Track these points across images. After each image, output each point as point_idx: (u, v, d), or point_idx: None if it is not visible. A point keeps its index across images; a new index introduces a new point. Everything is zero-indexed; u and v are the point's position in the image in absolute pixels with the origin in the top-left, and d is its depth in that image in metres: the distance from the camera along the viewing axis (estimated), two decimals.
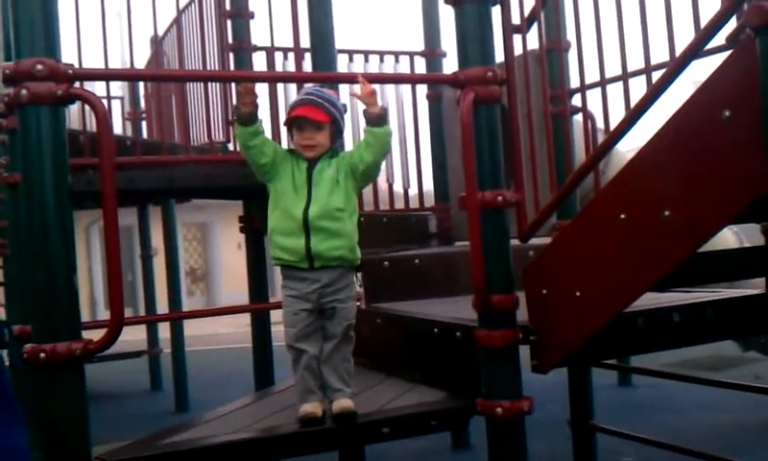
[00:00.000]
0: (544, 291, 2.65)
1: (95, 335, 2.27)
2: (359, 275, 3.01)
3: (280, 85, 4.43)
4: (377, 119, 2.68)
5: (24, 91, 2.15)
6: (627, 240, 2.35)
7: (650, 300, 2.93)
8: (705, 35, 2.27)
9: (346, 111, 2.84)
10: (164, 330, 7.89)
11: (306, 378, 2.67)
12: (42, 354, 2.14)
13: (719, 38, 2.44)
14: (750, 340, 5.83)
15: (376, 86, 4.65)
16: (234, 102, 4.40)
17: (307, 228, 2.63)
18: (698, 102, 2.12)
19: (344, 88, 3.80)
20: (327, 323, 2.69)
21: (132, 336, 7.08)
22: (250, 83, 2.66)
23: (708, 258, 2.92)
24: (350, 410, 2.64)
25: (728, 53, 2.12)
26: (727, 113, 2.01)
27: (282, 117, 3.17)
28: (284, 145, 3.10)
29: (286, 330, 2.70)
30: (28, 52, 2.18)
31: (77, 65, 2.33)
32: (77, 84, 2.25)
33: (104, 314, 2.26)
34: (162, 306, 7.95)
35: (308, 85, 2.89)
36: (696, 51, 2.29)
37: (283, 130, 2.94)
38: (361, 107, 2.73)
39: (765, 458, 3.57)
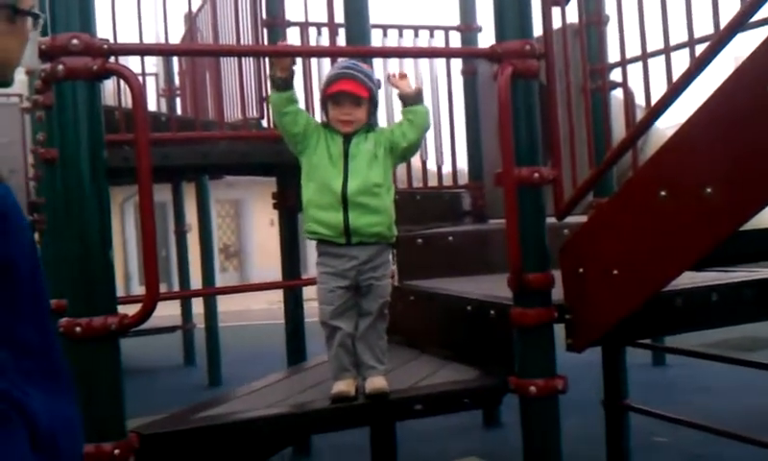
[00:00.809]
0: (581, 270, 2.62)
1: (130, 310, 2.28)
2: (394, 252, 3.00)
3: (314, 60, 4.41)
4: (415, 98, 2.70)
5: (60, 66, 2.16)
6: (666, 218, 2.30)
7: (687, 279, 2.89)
8: (750, 6, 2.20)
9: (380, 87, 2.82)
10: (198, 306, 7.96)
11: (341, 356, 2.66)
12: (78, 328, 2.16)
13: (765, 11, 2.36)
14: None
15: (410, 61, 4.65)
16: (269, 70, 4.41)
17: (345, 203, 2.61)
18: (743, 75, 2.06)
19: (377, 63, 3.77)
20: (363, 300, 2.68)
21: (166, 312, 7.15)
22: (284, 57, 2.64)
23: (749, 237, 2.86)
24: (384, 390, 2.64)
25: None
26: None
27: (316, 92, 3.15)
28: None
29: (321, 307, 2.68)
30: (64, 27, 2.18)
31: (112, 41, 2.32)
32: (112, 60, 2.25)
33: (138, 289, 2.27)
34: (196, 282, 8.02)
35: (342, 60, 2.86)
36: (741, 23, 2.22)
37: (317, 105, 2.92)
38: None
39: None
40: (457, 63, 5.01)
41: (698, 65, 2.32)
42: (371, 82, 2.71)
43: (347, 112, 2.66)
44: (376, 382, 2.64)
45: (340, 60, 2.84)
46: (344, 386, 2.64)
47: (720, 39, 2.26)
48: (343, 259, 2.64)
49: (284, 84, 2.63)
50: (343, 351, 2.66)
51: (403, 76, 2.77)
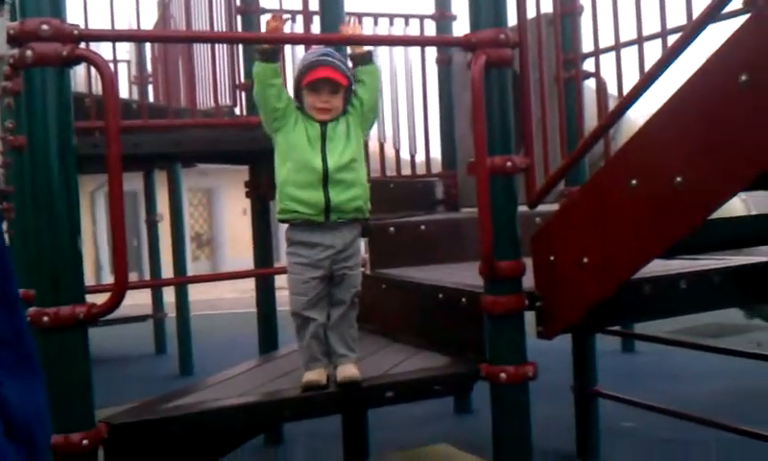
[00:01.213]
0: (552, 258, 2.64)
1: (100, 299, 2.26)
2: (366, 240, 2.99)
3: (288, 48, 4.39)
4: (364, 58, 2.70)
5: (29, 52, 2.13)
6: (637, 207, 2.33)
7: (657, 267, 2.92)
8: None
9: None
10: (169, 295, 7.91)
11: (313, 346, 2.66)
12: (46, 318, 2.14)
13: (736, 2, 2.39)
14: (754, 308, 5.82)
15: (385, 49, 4.63)
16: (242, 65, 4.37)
17: (326, 180, 2.60)
18: (714, 66, 2.09)
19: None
20: (335, 289, 2.67)
21: (138, 301, 7.11)
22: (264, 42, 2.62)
23: (717, 226, 2.90)
24: (355, 378, 2.64)
25: (746, 16, 2.07)
26: (743, 77, 1.98)
27: (290, 80, 3.12)
28: None
29: (294, 298, 2.66)
30: (33, 12, 2.15)
31: (83, 26, 2.29)
32: (83, 46, 2.22)
33: (109, 279, 2.24)
34: (167, 271, 7.96)
35: (316, 48, 2.84)
36: (713, 14, 2.24)
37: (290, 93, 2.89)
38: None
39: (767, 425, 3.57)
40: (432, 52, 5.01)
41: (670, 56, 2.34)
42: (348, 70, 2.69)
43: (325, 100, 2.63)
44: (348, 370, 2.64)
45: (313, 48, 2.82)
46: (315, 375, 2.64)
47: (692, 30, 2.28)
48: (317, 249, 2.63)
49: (272, 54, 2.60)
50: (315, 341, 2.65)
51: (355, 28, 2.78)
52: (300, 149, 2.62)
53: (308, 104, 2.66)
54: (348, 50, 2.76)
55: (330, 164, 2.60)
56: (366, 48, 2.71)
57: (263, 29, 3.00)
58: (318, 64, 2.65)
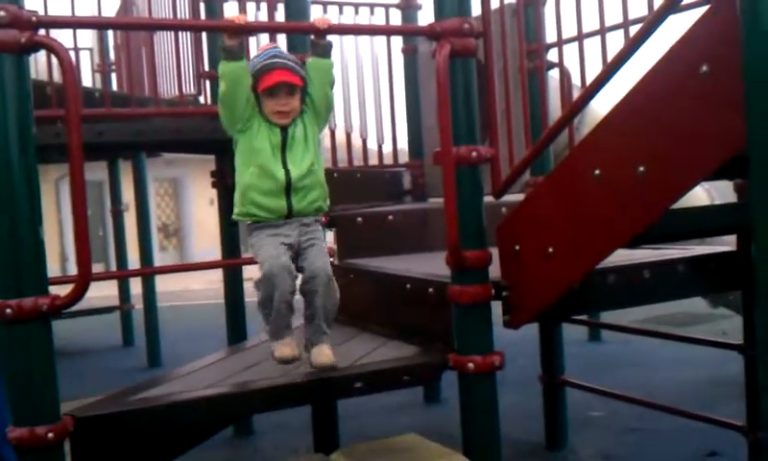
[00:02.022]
0: (517, 247, 2.65)
1: (65, 291, 2.23)
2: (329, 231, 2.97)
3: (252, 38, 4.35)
4: (323, 49, 2.65)
5: None
6: (601, 196, 2.35)
7: (621, 256, 2.95)
8: None
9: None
10: (136, 286, 7.84)
11: (282, 313, 2.59)
12: (8, 310, 2.10)
13: None
14: (719, 297, 5.91)
15: (351, 38, 4.61)
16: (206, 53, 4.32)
17: (289, 189, 2.59)
18: (675, 56, 2.10)
19: None
20: (308, 263, 2.63)
21: (104, 292, 7.04)
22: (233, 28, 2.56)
23: (680, 215, 2.93)
24: (330, 363, 2.62)
25: (706, 7, 2.09)
26: (704, 68, 2.00)
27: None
28: None
29: (265, 263, 2.57)
30: None
31: (42, 13, 2.24)
32: (42, 32, 2.18)
33: (74, 270, 2.21)
34: (134, 262, 7.89)
35: (266, 48, 2.78)
36: (674, 5, 2.26)
37: None
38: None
39: (731, 413, 3.62)
40: (397, 41, 5.00)
41: (632, 46, 2.36)
42: (302, 69, 2.65)
43: (283, 103, 2.60)
44: (323, 354, 2.62)
45: (264, 48, 2.77)
46: (288, 349, 2.61)
47: (653, 21, 2.30)
48: (283, 227, 2.62)
49: (239, 50, 2.53)
50: (284, 308, 2.58)
51: (324, 21, 2.68)
52: (264, 156, 2.59)
53: (268, 109, 2.61)
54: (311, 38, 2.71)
55: (293, 174, 2.59)
56: (327, 39, 2.66)
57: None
58: (272, 67, 2.60)
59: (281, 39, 3.76)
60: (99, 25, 5.21)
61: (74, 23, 3.63)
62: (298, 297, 2.66)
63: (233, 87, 2.55)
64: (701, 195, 5.43)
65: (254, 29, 3.10)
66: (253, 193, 2.61)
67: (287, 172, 2.59)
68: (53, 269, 2.27)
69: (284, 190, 2.59)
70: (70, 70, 2.16)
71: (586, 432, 4.40)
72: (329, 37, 2.68)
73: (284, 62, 2.62)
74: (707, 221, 3.30)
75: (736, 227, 3.21)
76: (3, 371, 2.15)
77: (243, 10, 4.54)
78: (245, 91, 2.57)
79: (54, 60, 2.33)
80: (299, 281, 2.65)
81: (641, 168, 2.20)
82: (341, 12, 4.90)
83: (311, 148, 2.65)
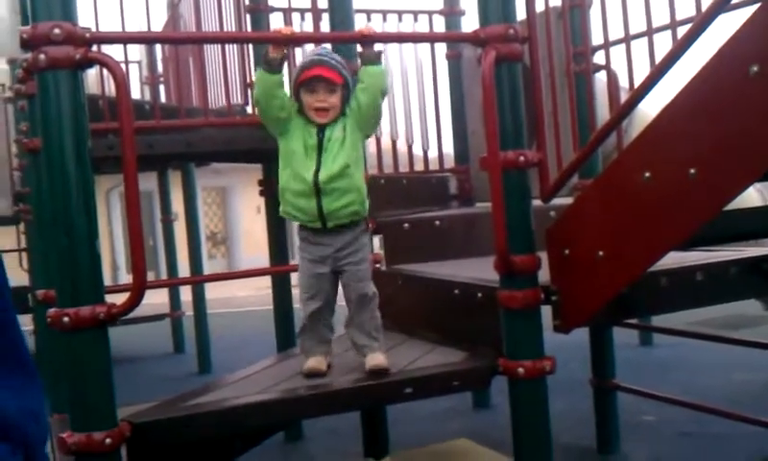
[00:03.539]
0: (567, 251, 2.63)
1: (118, 299, 2.28)
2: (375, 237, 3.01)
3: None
4: (372, 57, 2.65)
5: (42, 56, 2.14)
6: (651, 199, 2.32)
7: (673, 259, 2.91)
8: None
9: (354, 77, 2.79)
10: (186, 294, 7.95)
11: (306, 335, 2.77)
12: (66, 319, 2.15)
13: None
14: None
15: (395, 45, 4.63)
16: (252, 63, 4.37)
17: (318, 190, 2.63)
18: (725, 57, 2.07)
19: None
20: (345, 286, 2.74)
21: (155, 300, 7.14)
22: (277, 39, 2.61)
23: (733, 217, 2.89)
24: (382, 366, 2.67)
25: (756, 6, 2.06)
26: (755, 68, 1.97)
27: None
28: None
29: (300, 292, 2.76)
30: (45, 16, 2.16)
31: (94, 29, 2.30)
32: (94, 48, 2.24)
33: (125, 279, 2.26)
34: (183, 270, 8.01)
35: (314, 48, 2.83)
36: (723, 5, 2.23)
37: None
38: None
39: None
40: (441, 48, 5.01)
41: (680, 47, 2.33)
42: (344, 69, 2.69)
43: (321, 99, 2.64)
44: (375, 359, 2.69)
45: (311, 48, 2.82)
46: (314, 363, 2.74)
47: (702, 21, 2.27)
48: (320, 247, 2.70)
49: (278, 65, 2.60)
50: (310, 328, 2.75)
51: (369, 29, 2.71)
52: (297, 158, 2.65)
53: (306, 104, 2.66)
54: (359, 48, 2.75)
55: (321, 176, 2.62)
56: (376, 48, 2.68)
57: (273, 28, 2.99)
58: (312, 64, 2.65)
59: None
60: (148, 40, 5.32)
61: (125, 39, 3.71)
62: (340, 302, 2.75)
63: (265, 98, 2.64)
64: (754, 196, 5.33)
65: (300, 40, 3.13)
66: (288, 194, 2.69)
67: (316, 173, 2.62)
68: (104, 278, 2.32)
69: (314, 192, 2.63)
70: (123, 85, 2.22)
71: (637, 437, 4.34)
72: (378, 46, 2.71)
73: (326, 60, 2.66)
74: (760, 222, 3.24)
75: None
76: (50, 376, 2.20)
77: (288, 20, 4.59)
78: (276, 102, 2.63)
79: (106, 73, 2.39)
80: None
81: (692, 170, 2.17)
82: (384, 19, 4.92)
83: (347, 151, 2.65)
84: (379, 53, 2.70)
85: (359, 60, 2.71)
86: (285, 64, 2.68)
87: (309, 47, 4.06)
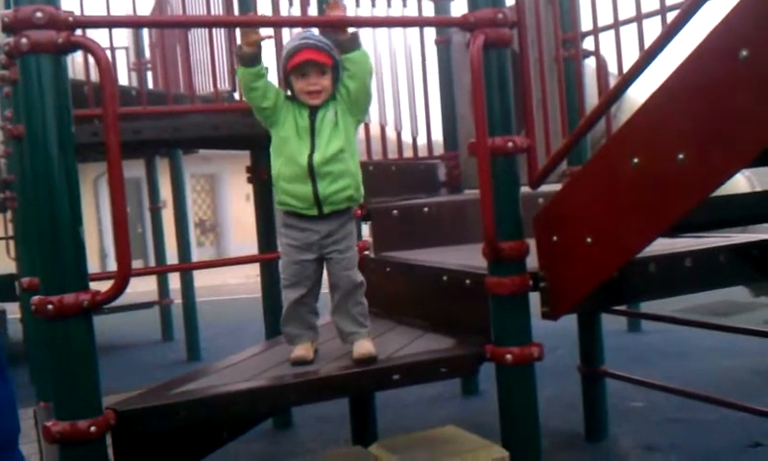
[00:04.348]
0: (555, 238, 2.63)
1: (105, 287, 2.26)
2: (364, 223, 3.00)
3: (286, 32, 4.36)
4: (350, 43, 2.62)
5: (24, 40, 2.10)
6: (639, 185, 2.31)
7: (662, 245, 2.91)
8: None
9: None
10: (174, 281, 7.93)
11: (291, 323, 2.77)
12: (50, 306, 2.13)
13: None
14: (761, 285, 5.81)
15: (384, 30, 4.60)
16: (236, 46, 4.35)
17: (313, 174, 2.62)
18: (714, 41, 2.06)
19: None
20: (330, 274, 2.73)
21: (143, 288, 7.14)
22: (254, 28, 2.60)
23: (721, 203, 2.89)
24: (370, 354, 2.66)
25: None
26: (744, 53, 1.96)
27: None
28: None
29: (283, 278, 2.75)
30: None
31: (78, 13, 2.27)
32: (78, 32, 2.21)
33: (113, 266, 2.25)
34: (172, 258, 7.99)
35: (299, 32, 2.80)
36: None
37: None
38: None
39: None
40: (430, 34, 4.98)
41: (669, 32, 2.32)
42: (332, 50, 2.67)
43: (313, 83, 2.64)
44: (362, 347, 2.68)
45: (297, 32, 2.79)
46: (301, 351, 2.74)
47: (691, 6, 2.26)
48: (306, 233, 2.69)
49: (251, 58, 2.59)
50: (295, 315, 2.75)
51: (335, 6, 2.65)
52: (290, 142, 2.65)
53: (298, 88, 2.66)
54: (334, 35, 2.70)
55: (316, 158, 2.62)
56: (350, 31, 2.64)
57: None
58: (301, 48, 2.64)
59: None
60: (134, 24, 5.25)
61: (110, 23, 3.67)
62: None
63: (246, 91, 2.66)
64: (741, 182, 5.34)
65: (282, 24, 3.10)
66: (282, 182, 2.67)
67: (310, 157, 2.62)
68: (92, 266, 2.30)
69: (308, 175, 2.62)
70: (107, 70, 2.18)
71: (626, 423, 4.36)
72: (354, 29, 2.68)
73: (313, 42, 2.65)
74: (748, 208, 3.25)
75: None
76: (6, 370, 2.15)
77: (275, 4, 4.55)
78: (257, 93, 2.63)
79: (91, 59, 2.36)
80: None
81: (681, 155, 2.16)
82: (373, 4, 4.89)
83: (341, 135, 2.65)
84: (355, 35, 2.65)
85: (338, 48, 2.67)
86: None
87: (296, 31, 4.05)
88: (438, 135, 4.98)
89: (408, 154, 4.96)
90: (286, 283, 2.75)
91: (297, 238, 2.70)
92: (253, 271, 7.07)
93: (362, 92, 2.68)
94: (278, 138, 2.68)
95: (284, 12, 4.56)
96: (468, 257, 3.10)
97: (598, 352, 4.22)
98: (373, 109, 4.76)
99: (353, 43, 2.63)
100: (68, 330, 2.18)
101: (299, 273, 2.71)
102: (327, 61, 2.64)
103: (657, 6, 2.55)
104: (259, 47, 2.60)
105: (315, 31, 2.82)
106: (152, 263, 12.73)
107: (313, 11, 4.05)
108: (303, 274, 2.71)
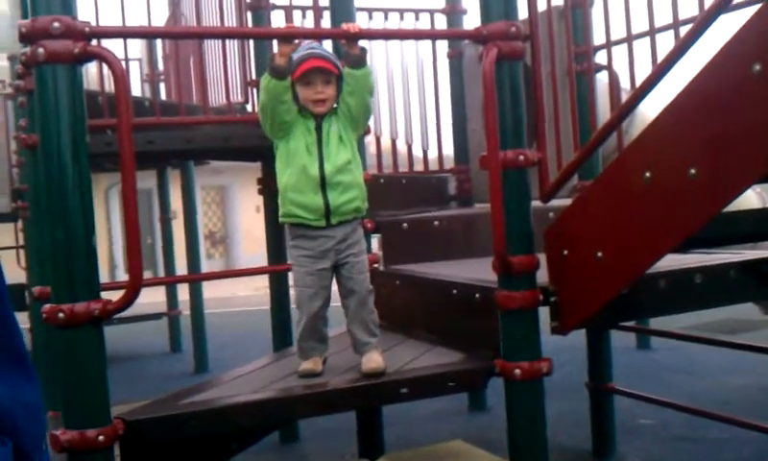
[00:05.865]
0: (565, 252, 2.62)
1: (115, 297, 2.26)
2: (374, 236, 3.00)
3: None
4: (358, 59, 2.65)
5: (41, 50, 2.13)
6: (651, 200, 2.31)
7: (672, 261, 2.89)
8: None
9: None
10: (183, 293, 7.94)
11: (306, 336, 2.75)
12: (61, 314, 2.14)
13: None
14: None
15: (396, 43, 4.62)
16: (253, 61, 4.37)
17: (324, 184, 2.64)
18: (726, 56, 2.06)
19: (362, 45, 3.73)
20: (345, 279, 2.72)
21: (152, 298, 7.14)
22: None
23: (732, 219, 2.87)
24: (380, 369, 2.66)
25: (758, 6, 2.05)
26: (757, 67, 1.95)
27: None
28: None
29: (300, 290, 2.73)
30: (44, 9, 2.15)
31: (94, 24, 2.28)
32: (94, 43, 2.22)
33: (123, 277, 2.26)
34: (182, 269, 8.01)
35: (305, 43, 2.82)
36: (725, 4, 2.22)
37: None
38: None
39: None
40: (443, 46, 5.00)
41: (682, 47, 2.32)
42: (337, 61, 2.70)
43: (319, 91, 2.66)
44: (372, 361, 2.68)
45: (304, 43, 2.81)
46: (310, 364, 2.74)
47: (704, 21, 2.26)
48: (319, 240, 2.69)
49: (285, 71, 2.61)
50: (310, 330, 2.74)
51: (355, 26, 2.67)
52: (300, 155, 2.67)
53: (304, 98, 2.68)
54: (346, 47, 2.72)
55: (327, 168, 2.65)
56: (360, 46, 2.66)
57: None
58: (307, 58, 2.66)
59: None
60: (149, 35, 5.29)
61: (125, 33, 3.69)
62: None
63: (274, 103, 2.65)
64: (753, 198, 5.32)
65: (298, 35, 3.11)
66: (291, 193, 2.68)
67: (321, 167, 2.64)
68: (102, 275, 2.30)
69: (319, 186, 2.65)
70: (122, 80, 2.20)
71: (634, 440, 4.33)
72: (363, 43, 2.70)
73: (319, 52, 2.68)
74: (759, 224, 3.23)
75: None
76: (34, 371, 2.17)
77: (289, 18, 4.58)
78: (284, 107, 2.65)
79: (105, 69, 2.38)
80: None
81: (693, 170, 2.16)
82: (386, 17, 4.91)
83: (348, 147, 2.70)
84: (364, 52, 2.68)
85: (345, 61, 2.69)
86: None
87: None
88: (449, 149, 4.99)
89: (419, 167, 4.97)
90: (304, 296, 2.71)
91: (310, 247, 2.70)
92: (262, 283, 7.07)
93: (361, 109, 2.73)
94: (287, 150, 2.70)
95: (297, 24, 4.59)
96: (478, 271, 3.09)
97: (607, 369, 4.20)
98: (385, 123, 4.77)
99: (361, 60, 2.66)
100: (78, 339, 2.18)
101: (316, 283, 2.69)
102: (333, 69, 2.67)
103: (670, 20, 2.55)
104: (290, 60, 2.62)
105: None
106: (161, 274, 12.75)
107: (326, 23, 4.07)
108: (321, 284, 2.70)
